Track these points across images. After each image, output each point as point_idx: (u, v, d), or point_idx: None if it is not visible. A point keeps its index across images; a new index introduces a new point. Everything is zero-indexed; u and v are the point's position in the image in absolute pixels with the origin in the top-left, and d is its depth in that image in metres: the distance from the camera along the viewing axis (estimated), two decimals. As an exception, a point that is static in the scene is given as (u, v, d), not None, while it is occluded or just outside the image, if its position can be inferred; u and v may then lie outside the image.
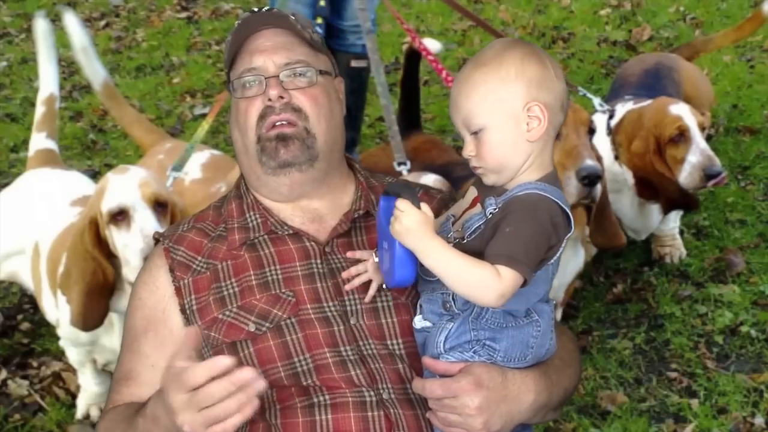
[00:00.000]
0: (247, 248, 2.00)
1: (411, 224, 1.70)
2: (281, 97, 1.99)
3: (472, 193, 1.88)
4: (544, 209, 1.73)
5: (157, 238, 2.12)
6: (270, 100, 1.99)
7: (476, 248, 1.74)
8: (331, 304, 1.93)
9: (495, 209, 1.75)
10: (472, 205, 1.84)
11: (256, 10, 2.09)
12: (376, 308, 1.93)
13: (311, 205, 2.05)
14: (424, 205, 1.72)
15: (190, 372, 1.62)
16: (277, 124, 1.99)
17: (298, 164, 1.99)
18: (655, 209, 3.71)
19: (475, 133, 1.78)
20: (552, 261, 1.78)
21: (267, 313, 1.92)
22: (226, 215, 2.07)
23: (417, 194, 1.75)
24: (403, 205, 1.71)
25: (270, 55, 2.01)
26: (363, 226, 2.03)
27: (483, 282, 1.68)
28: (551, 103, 1.78)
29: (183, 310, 1.98)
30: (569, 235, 1.78)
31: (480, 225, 1.76)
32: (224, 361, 1.62)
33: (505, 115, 1.76)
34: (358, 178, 2.12)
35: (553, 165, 1.83)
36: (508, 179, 1.79)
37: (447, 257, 1.70)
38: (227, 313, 1.94)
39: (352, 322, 1.91)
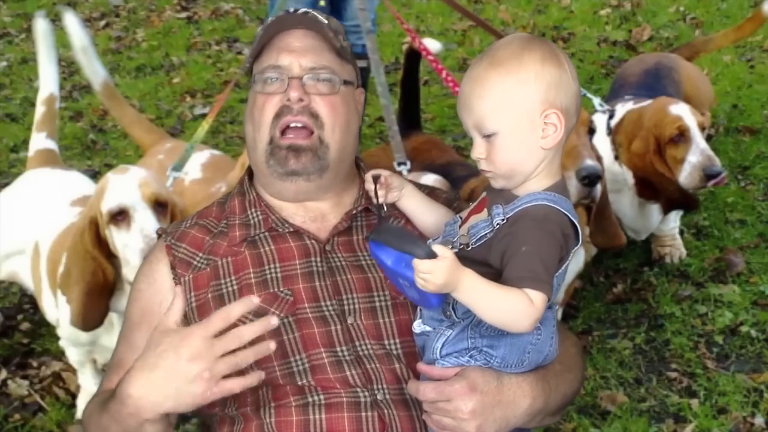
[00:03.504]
0: (247, 245, 2.01)
1: (445, 278, 1.61)
2: (301, 100, 1.98)
3: (481, 195, 1.84)
4: (555, 222, 1.69)
5: (160, 234, 2.13)
6: (289, 100, 1.98)
7: (481, 256, 1.71)
8: (329, 303, 1.93)
9: (503, 220, 1.71)
10: (479, 208, 1.80)
11: (291, 11, 2.08)
12: (374, 307, 1.93)
13: (315, 206, 2.05)
14: (437, 247, 1.62)
15: (222, 312, 1.71)
16: (292, 125, 1.98)
17: (306, 174, 2.00)
18: (655, 209, 3.71)
19: (487, 137, 1.72)
20: (559, 272, 1.75)
21: (264, 311, 1.91)
22: (229, 212, 2.08)
23: (418, 239, 1.64)
24: (425, 266, 1.60)
25: (297, 57, 2.00)
26: (363, 224, 2.04)
27: (519, 311, 1.64)
28: (567, 107, 1.72)
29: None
30: (576, 247, 1.74)
31: (486, 233, 1.73)
32: (256, 300, 1.74)
33: (521, 121, 1.70)
34: (362, 177, 2.12)
35: (561, 173, 1.79)
36: (518, 184, 1.75)
37: (484, 291, 1.64)
38: None
39: (349, 321, 1.91)
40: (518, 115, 1.70)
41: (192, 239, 2.04)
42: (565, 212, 1.72)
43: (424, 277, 1.61)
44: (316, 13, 2.07)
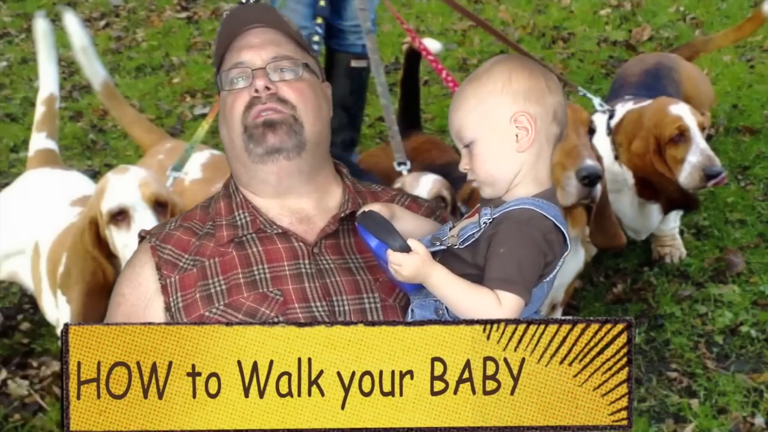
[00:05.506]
0: (234, 246, 2.00)
1: (412, 271, 1.73)
2: (267, 88, 1.99)
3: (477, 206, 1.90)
4: (536, 227, 1.74)
5: (143, 236, 2.11)
6: (257, 91, 1.99)
7: (467, 257, 1.76)
8: (318, 304, 1.93)
9: (489, 220, 1.77)
10: (473, 213, 1.86)
11: (243, 1, 2.10)
12: (364, 309, 1.94)
13: (299, 204, 2.05)
14: (412, 242, 1.73)
15: None
16: (263, 113, 1.99)
17: (286, 150, 1.99)
18: (655, 209, 3.71)
19: (467, 147, 1.82)
20: (548, 279, 1.78)
21: (254, 311, 1.92)
22: (214, 213, 2.07)
23: (395, 232, 1.75)
24: (395, 258, 1.73)
25: (258, 51, 2.03)
26: (350, 228, 2.04)
27: (484, 311, 1.69)
28: (541, 114, 1.80)
29: (168, 308, 1.97)
30: (566, 253, 1.79)
31: (473, 233, 1.77)
32: None
33: (493, 127, 1.79)
34: (345, 182, 2.13)
35: (551, 183, 1.84)
36: (503, 191, 1.81)
37: (452, 288, 1.73)
38: (214, 310, 1.93)
39: None
40: (489, 122, 1.79)
41: (177, 241, 2.04)
42: (551, 218, 1.76)
43: (395, 268, 1.74)
44: (278, 9, 2.10)
